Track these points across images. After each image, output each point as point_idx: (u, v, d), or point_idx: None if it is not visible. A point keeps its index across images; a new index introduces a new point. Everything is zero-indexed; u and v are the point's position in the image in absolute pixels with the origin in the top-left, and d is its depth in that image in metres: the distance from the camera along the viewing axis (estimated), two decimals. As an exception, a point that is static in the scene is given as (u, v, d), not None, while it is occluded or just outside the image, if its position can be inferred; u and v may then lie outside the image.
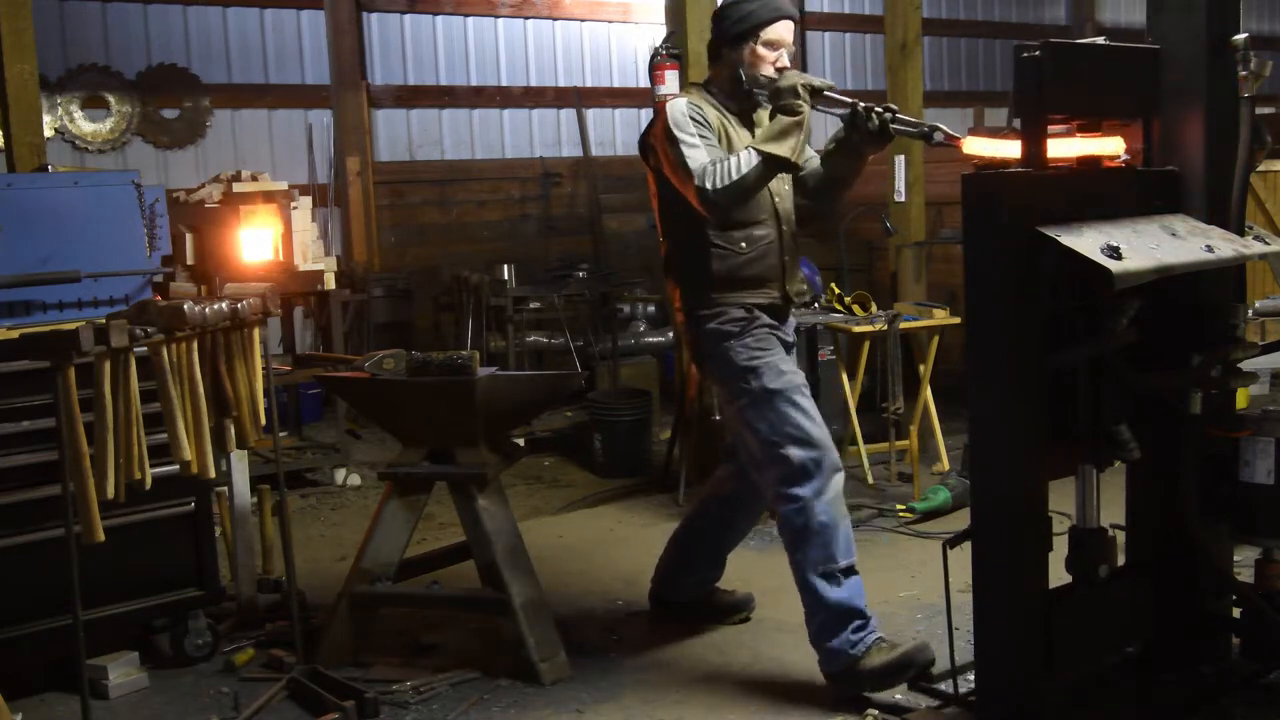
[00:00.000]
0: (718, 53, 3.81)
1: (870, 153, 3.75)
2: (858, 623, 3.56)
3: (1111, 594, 3.21)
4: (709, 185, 3.47)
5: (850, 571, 3.60)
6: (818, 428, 3.65)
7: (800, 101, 3.48)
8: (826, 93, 3.55)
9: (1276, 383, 5.29)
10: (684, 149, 3.54)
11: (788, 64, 3.72)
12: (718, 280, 3.72)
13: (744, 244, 3.72)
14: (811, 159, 3.88)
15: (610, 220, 10.35)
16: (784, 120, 3.47)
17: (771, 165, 3.47)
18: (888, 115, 3.54)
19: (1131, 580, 3.33)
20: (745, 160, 3.46)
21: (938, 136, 3.45)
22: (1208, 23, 3.14)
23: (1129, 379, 3.09)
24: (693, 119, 3.61)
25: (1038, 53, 2.93)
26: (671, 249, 3.88)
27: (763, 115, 3.83)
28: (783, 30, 3.72)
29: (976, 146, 3.11)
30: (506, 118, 10.17)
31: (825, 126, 4.12)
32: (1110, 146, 3.22)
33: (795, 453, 3.59)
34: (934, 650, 3.58)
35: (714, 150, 3.58)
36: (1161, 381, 3.23)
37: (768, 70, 3.70)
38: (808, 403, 3.68)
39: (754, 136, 3.74)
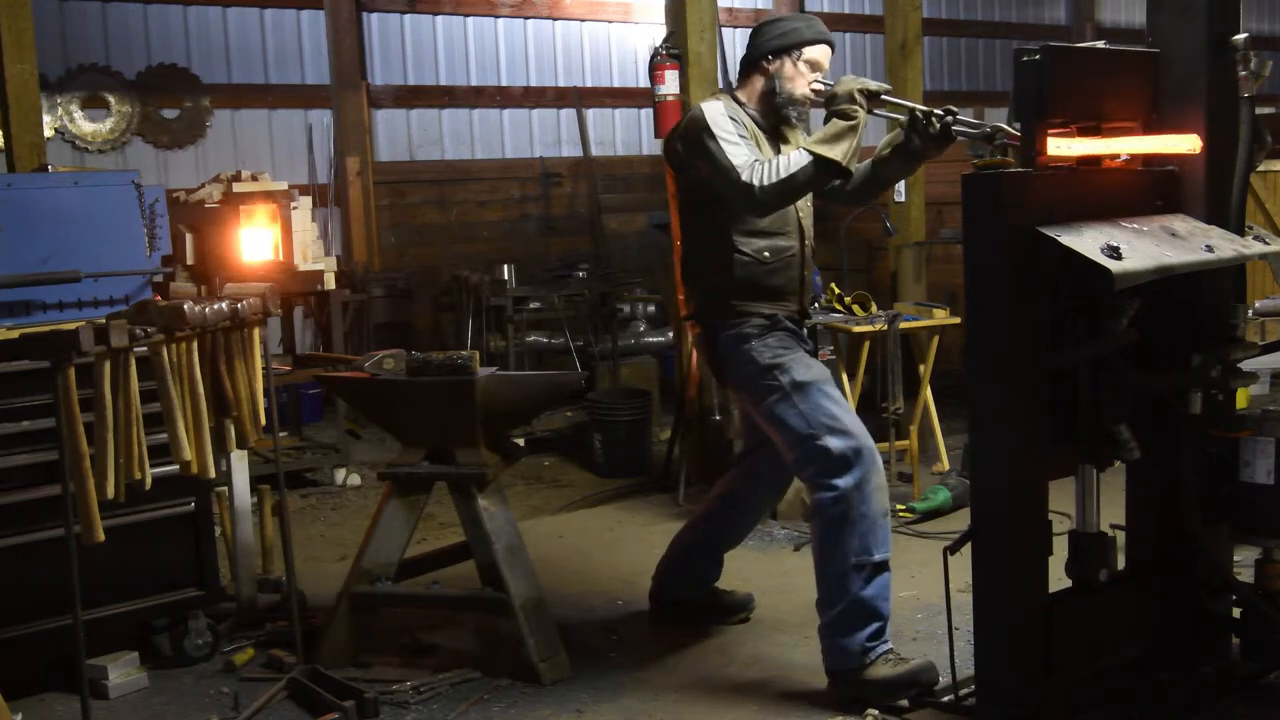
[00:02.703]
0: (753, 66, 3.78)
1: (930, 157, 3.70)
2: (876, 626, 3.52)
3: (1112, 597, 3.21)
4: (756, 181, 3.42)
5: (882, 568, 3.54)
6: (852, 417, 3.62)
7: (856, 107, 3.43)
8: (884, 96, 3.51)
9: (1276, 383, 5.29)
10: (725, 145, 3.51)
11: (821, 89, 3.70)
12: (738, 288, 3.69)
13: (767, 254, 3.70)
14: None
15: (610, 220, 10.36)
16: (839, 124, 3.43)
17: (822, 168, 3.42)
18: (949, 119, 3.48)
19: (1132, 583, 3.33)
20: (796, 159, 3.42)
21: (999, 138, 3.33)
22: (1208, 23, 3.14)
23: (1129, 379, 3.09)
24: (730, 118, 3.60)
25: (1037, 56, 2.93)
26: (689, 253, 3.85)
27: (792, 134, 3.83)
28: (823, 54, 3.73)
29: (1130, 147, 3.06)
30: (506, 118, 10.18)
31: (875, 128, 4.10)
32: (1184, 144, 3.17)
33: (834, 443, 3.54)
34: (938, 671, 3.52)
35: (753, 149, 3.56)
36: (1161, 381, 3.23)
37: (802, 88, 3.70)
38: (838, 394, 3.67)
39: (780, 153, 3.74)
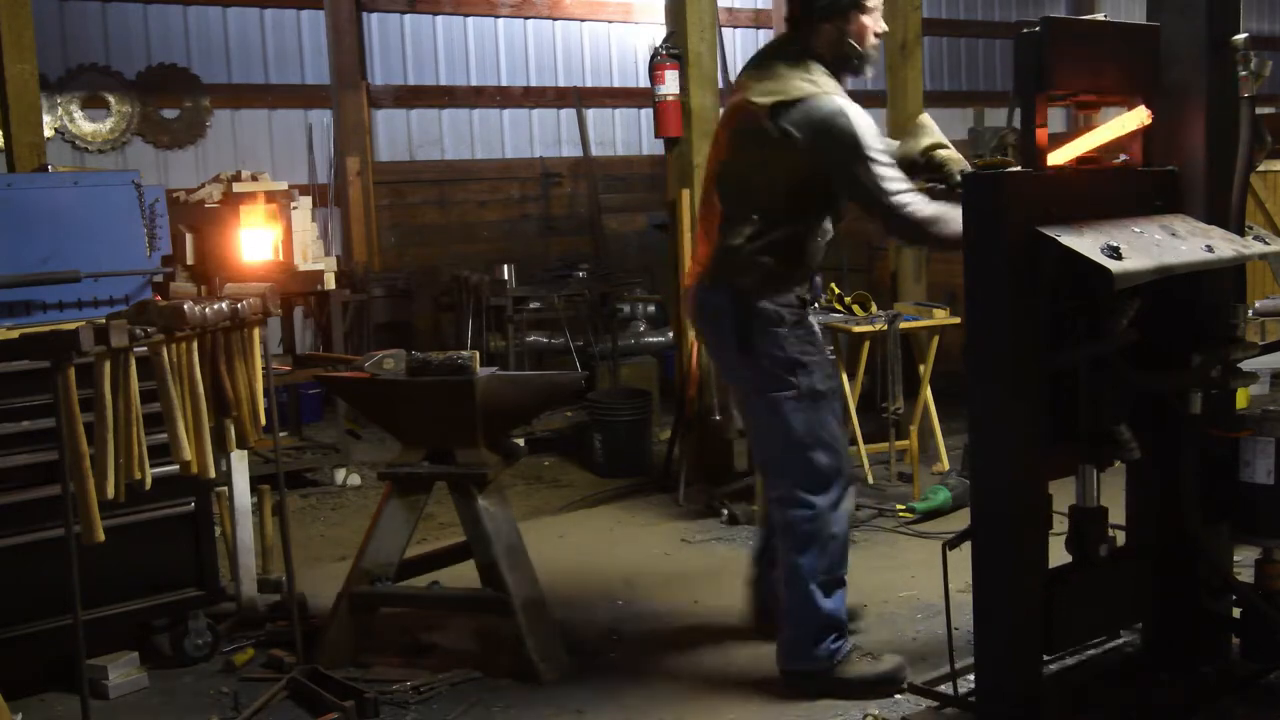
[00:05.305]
0: (817, 23, 3.59)
1: None
2: (837, 633, 3.61)
3: (1110, 577, 3.22)
4: (936, 229, 3.36)
5: (841, 583, 3.64)
6: (842, 437, 3.68)
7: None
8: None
9: (1276, 383, 5.29)
10: (881, 169, 3.41)
11: (883, 25, 3.64)
12: (792, 269, 3.61)
13: (821, 240, 3.68)
14: None
15: (610, 220, 10.36)
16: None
17: (956, 240, 3.26)
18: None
19: (1131, 562, 3.33)
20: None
21: None
22: (1208, 23, 3.14)
23: (1129, 379, 3.09)
24: (877, 134, 3.48)
25: (1038, 29, 2.92)
26: (740, 220, 3.59)
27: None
28: None
29: (1095, 139, 3.03)
30: (506, 118, 10.18)
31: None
32: None
33: (821, 458, 3.58)
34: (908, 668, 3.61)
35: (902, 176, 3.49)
36: (1161, 381, 3.23)
37: (871, 39, 3.61)
38: (839, 410, 3.71)
39: None
